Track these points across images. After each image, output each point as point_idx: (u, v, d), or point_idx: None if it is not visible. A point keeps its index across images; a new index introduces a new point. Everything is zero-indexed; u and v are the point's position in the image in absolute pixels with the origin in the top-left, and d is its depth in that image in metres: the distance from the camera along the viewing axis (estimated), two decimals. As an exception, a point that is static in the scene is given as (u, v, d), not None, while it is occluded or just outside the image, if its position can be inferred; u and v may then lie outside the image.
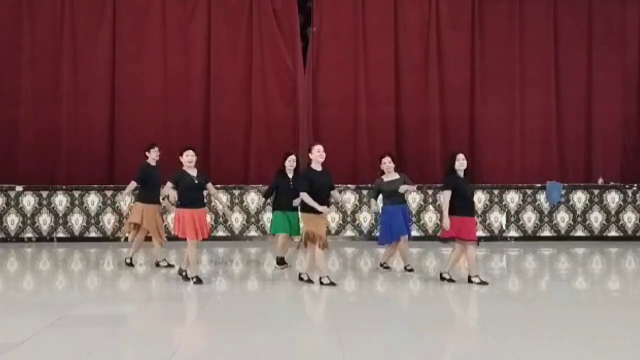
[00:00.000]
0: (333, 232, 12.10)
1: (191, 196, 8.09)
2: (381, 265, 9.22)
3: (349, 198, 12.26)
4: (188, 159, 8.17)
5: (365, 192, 12.17)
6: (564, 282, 8.85)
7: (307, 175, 7.96)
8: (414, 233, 11.29)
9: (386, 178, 8.85)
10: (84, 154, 12.65)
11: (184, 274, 8.32)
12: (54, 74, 12.75)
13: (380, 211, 9.00)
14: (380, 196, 8.94)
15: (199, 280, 8.10)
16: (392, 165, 8.85)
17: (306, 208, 7.93)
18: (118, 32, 12.83)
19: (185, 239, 8.10)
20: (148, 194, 9.27)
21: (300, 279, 8.24)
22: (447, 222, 7.90)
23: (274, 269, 9.18)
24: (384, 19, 12.97)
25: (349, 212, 12.29)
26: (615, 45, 13.12)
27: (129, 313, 6.78)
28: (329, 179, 8.09)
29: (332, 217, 12.07)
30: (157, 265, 9.41)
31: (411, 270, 8.95)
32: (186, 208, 8.03)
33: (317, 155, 7.97)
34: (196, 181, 8.13)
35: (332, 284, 7.98)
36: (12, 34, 12.70)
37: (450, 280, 8.17)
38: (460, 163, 7.99)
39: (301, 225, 8.25)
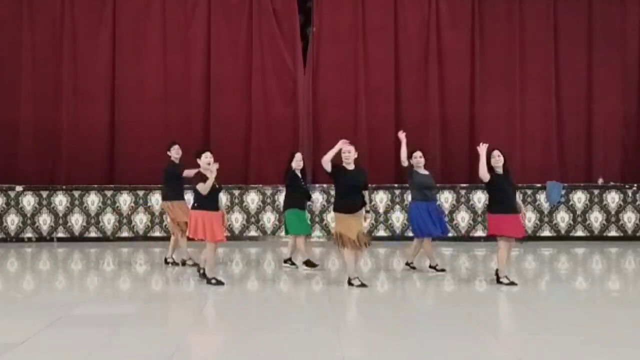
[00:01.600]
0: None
1: (212, 200, 7.96)
2: (407, 264, 9.14)
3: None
4: (207, 160, 7.99)
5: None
6: (564, 282, 8.85)
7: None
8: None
9: (420, 172, 8.76)
10: (84, 154, 12.63)
11: (201, 271, 8.21)
12: (54, 74, 12.74)
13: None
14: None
15: (218, 282, 7.99)
16: (423, 160, 8.79)
17: (340, 208, 7.84)
18: (118, 33, 12.82)
19: (199, 241, 8.05)
20: (180, 191, 9.26)
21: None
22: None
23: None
24: (384, 19, 12.97)
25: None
26: (615, 45, 13.11)
27: (129, 313, 6.77)
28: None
29: (333, 217, 12.02)
30: (184, 264, 9.30)
31: (442, 270, 8.91)
32: (205, 210, 7.88)
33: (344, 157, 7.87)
34: (217, 185, 8.02)
35: (362, 285, 7.85)
36: (12, 34, 12.69)
37: (512, 284, 8.01)
38: (496, 160, 7.90)
39: (332, 224, 8.12)
